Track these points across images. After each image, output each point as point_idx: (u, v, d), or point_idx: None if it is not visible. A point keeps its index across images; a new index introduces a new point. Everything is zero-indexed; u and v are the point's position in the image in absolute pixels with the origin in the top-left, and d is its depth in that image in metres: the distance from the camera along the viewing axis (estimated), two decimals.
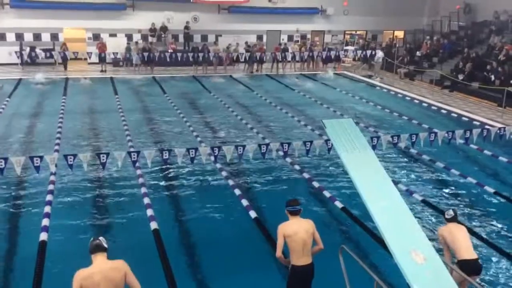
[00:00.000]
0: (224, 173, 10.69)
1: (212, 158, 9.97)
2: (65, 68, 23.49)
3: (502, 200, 9.69)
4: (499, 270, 7.36)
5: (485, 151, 12.31)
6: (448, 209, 6.83)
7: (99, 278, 4.76)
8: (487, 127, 12.02)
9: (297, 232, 5.80)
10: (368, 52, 26.07)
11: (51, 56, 23.25)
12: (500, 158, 11.97)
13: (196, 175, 10.79)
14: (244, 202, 9.15)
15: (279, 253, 5.82)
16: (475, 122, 15.65)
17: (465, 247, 6.23)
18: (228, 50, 24.94)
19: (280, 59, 25.39)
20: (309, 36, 28.93)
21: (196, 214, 9.06)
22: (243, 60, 24.80)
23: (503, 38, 23.02)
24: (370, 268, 5.72)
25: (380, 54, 25.73)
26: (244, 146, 9.71)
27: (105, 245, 4.97)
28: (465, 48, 23.59)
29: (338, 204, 9.17)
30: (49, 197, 9.05)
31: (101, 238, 5.02)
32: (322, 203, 9.65)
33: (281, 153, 10.52)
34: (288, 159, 11.39)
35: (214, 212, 9.06)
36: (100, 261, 4.89)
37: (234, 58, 24.84)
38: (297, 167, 11.23)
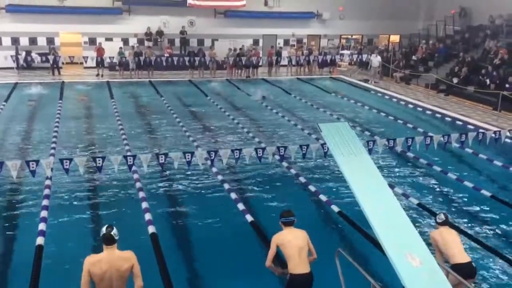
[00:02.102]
0: (220, 177, 10.68)
1: (209, 162, 9.98)
2: (58, 72, 23.37)
3: (499, 204, 9.69)
4: (497, 274, 7.35)
5: (481, 155, 12.36)
6: (439, 213, 6.85)
7: (106, 267, 5.05)
8: (482, 130, 12.05)
9: (291, 240, 5.82)
10: (364, 56, 26.13)
11: (47, 61, 23.24)
12: (495, 161, 12.02)
13: (193, 179, 10.78)
14: (240, 206, 9.14)
15: (268, 262, 5.83)
16: (470, 126, 15.70)
17: (458, 251, 6.23)
18: (239, 52, 24.86)
19: (275, 63, 25.48)
20: (305, 40, 28.99)
21: (193, 218, 9.04)
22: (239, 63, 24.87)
23: (498, 42, 23.13)
24: (366, 271, 5.73)
25: (376, 59, 24.81)
26: (240, 150, 9.72)
27: (116, 237, 5.23)
28: (460, 52, 23.73)
29: (335, 207, 9.17)
30: (45, 202, 9.02)
31: (114, 229, 5.29)
32: (319, 207, 9.66)
33: (277, 157, 10.52)
34: (285, 163, 11.40)
35: (211, 216, 9.04)
36: (109, 250, 5.16)
37: (231, 62, 24.84)
38: (293, 170, 11.25)
